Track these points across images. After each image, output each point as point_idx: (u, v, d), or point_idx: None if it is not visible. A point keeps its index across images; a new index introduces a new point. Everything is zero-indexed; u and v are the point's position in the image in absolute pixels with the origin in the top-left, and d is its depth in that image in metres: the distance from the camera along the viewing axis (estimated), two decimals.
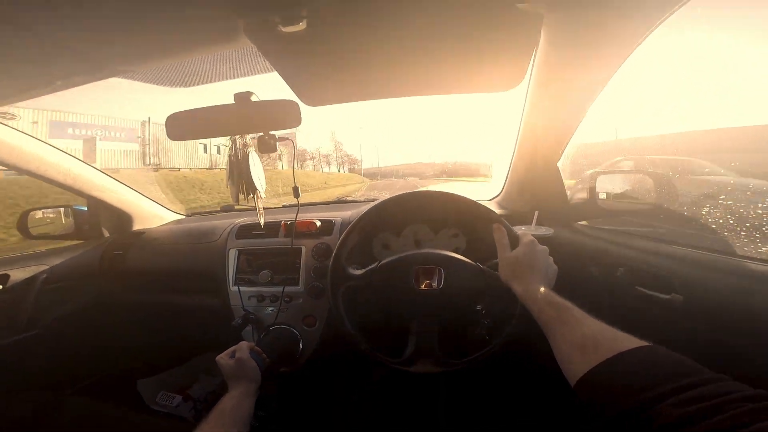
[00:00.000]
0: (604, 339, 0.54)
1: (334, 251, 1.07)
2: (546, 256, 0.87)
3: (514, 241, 0.90)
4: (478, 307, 1.05)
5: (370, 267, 1.01)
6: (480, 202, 1.09)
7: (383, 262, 1.00)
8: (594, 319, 0.61)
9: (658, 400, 0.39)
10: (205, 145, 19.56)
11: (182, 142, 14.47)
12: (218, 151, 20.13)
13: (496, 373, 1.45)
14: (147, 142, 16.82)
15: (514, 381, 1.49)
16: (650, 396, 0.40)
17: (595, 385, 0.49)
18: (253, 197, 0.97)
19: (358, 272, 1.03)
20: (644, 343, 0.50)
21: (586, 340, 0.55)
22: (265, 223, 1.41)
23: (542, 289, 0.75)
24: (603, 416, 0.46)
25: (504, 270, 0.86)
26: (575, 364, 0.54)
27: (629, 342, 0.51)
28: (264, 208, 1.83)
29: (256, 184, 0.94)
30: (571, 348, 0.57)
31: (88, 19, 0.64)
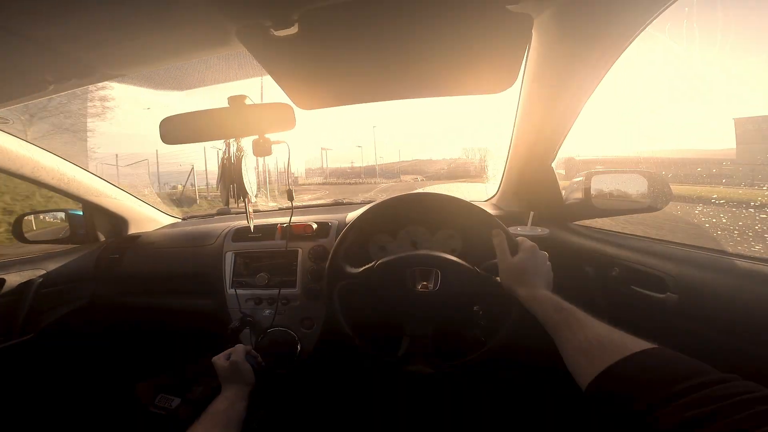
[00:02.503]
0: (610, 342, 0.53)
1: (332, 249, 1.08)
2: (546, 260, 0.87)
3: (514, 246, 0.90)
4: (475, 308, 1.05)
5: (367, 266, 1.01)
6: (476, 203, 1.09)
7: (380, 261, 1.00)
8: (599, 321, 0.61)
9: (668, 401, 0.39)
10: None
11: None
12: None
13: (491, 376, 1.45)
14: None
15: (511, 384, 1.49)
16: (660, 398, 0.40)
17: (604, 390, 0.49)
18: (244, 201, 0.97)
19: (355, 271, 1.03)
20: (650, 345, 0.50)
21: (592, 345, 0.55)
22: (261, 226, 1.42)
23: (547, 293, 0.75)
24: (614, 420, 0.45)
25: (506, 276, 0.86)
26: (583, 369, 0.54)
27: (635, 344, 0.50)
28: (260, 211, 1.84)
29: (247, 188, 0.94)
30: (578, 352, 0.57)
31: (79, 24, 0.64)
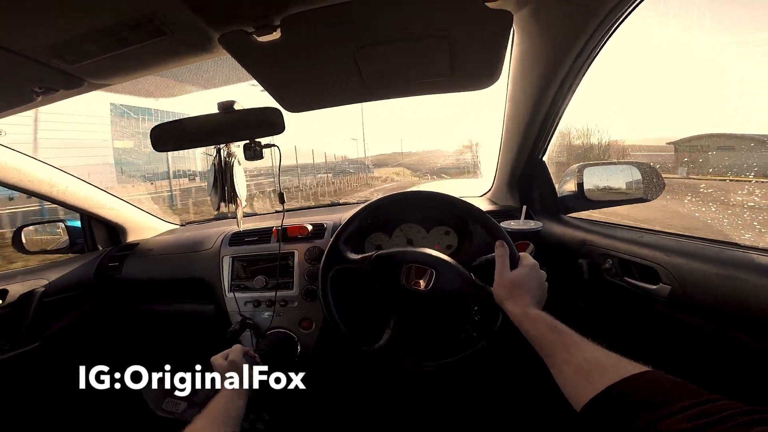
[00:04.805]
0: (609, 364, 0.54)
1: (337, 231, 1.08)
2: (544, 280, 0.86)
3: (515, 261, 0.89)
4: (475, 309, 1.04)
5: (366, 254, 1.02)
6: (471, 198, 1.09)
7: (379, 252, 1.00)
8: (594, 344, 0.62)
9: (666, 417, 0.41)
10: None
11: None
12: None
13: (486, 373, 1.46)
14: None
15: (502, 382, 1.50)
16: (660, 416, 0.42)
17: (604, 409, 0.50)
18: (235, 205, 0.98)
19: (353, 256, 1.04)
20: (646, 367, 0.52)
21: (591, 365, 0.56)
22: (256, 229, 1.43)
23: (540, 312, 0.75)
24: None
25: (500, 289, 0.84)
26: (581, 389, 0.55)
27: (632, 367, 0.52)
28: (256, 214, 1.86)
29: (238, 192, 0.95)
30: (576, 373, 0.58)
31: (64, 36, 0.65)
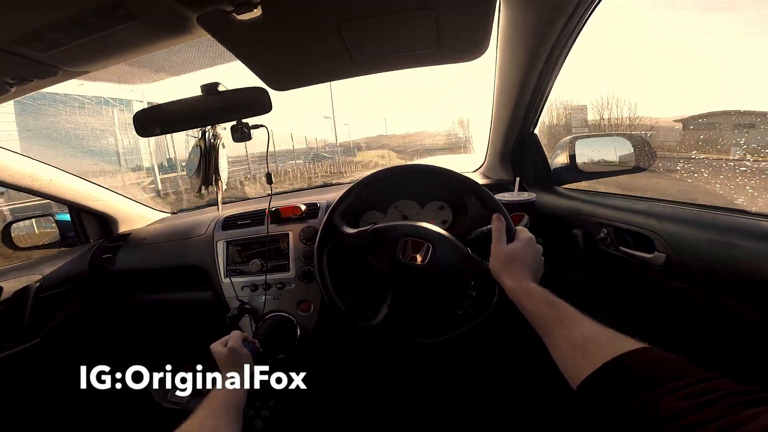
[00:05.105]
0: (605, 340, 0.54)
1: (332, 206, 1.06)
2: (540, 254, 0.86)
3: (512, 234, 0.88)
4: (472, 285, 1.04)
5: (362, 228, 1.01)
6: (465, 174, 1.08)
7: (376, 226, 0.99)
8: (589, 319, 0.61)
9: (662, 396, 0.42)
10: None
11: None
12: None
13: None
14: None
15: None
16: (658, 393, 0.42)
17: (601, 386, 0.50)
18: (215, 188, 0.96)
19: (350, 230, 1.03)
20: (642, 344, 0.51)
21: (587, 342, 0.56)
22: (249, 212, 1.43)
23: (536, 286, 0.74)
24: (609, 414, 0.48)
25: (496, 262, 0.84)
26: (578, 366, 0.54)
27: (629, 343, 0.52)
28: (245, 199, 1.85)
29: (221, 175, 0.93)
30: (573, 349, 0.58)
31: (32, 23, 0.62)
